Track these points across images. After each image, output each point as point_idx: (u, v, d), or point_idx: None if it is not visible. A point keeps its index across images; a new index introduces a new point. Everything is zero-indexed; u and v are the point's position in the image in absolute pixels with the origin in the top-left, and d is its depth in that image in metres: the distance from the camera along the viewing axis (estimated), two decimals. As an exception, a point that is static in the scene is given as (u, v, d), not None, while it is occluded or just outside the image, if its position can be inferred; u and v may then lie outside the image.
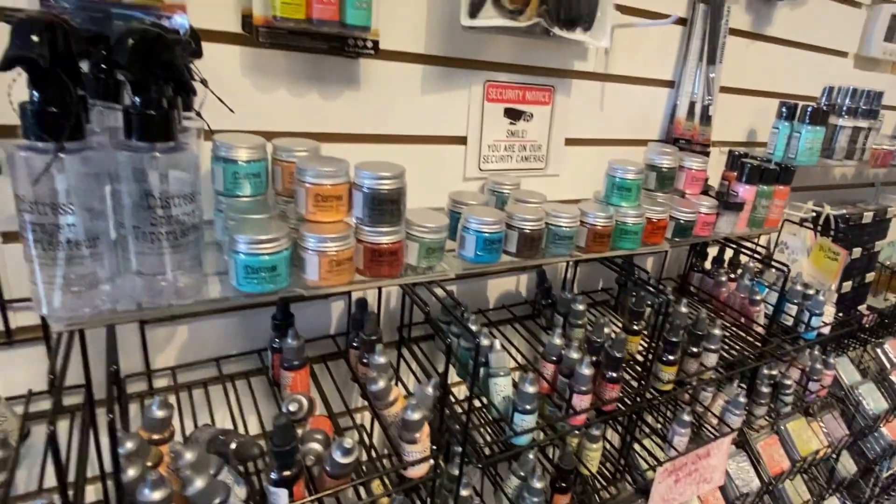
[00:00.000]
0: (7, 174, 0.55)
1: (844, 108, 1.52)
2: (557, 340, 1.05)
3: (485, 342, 1.01)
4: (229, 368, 0.99)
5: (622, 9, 1.15)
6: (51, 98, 0.53)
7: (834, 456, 2.06)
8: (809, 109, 1.40)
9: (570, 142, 1.23)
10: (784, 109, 1.44)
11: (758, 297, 1.41)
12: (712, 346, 1.22)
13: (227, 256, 0.70)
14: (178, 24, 0.69)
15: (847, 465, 2.20)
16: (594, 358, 1.06)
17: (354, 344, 0.99)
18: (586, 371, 0.99)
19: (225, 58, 0.82)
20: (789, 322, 1.50)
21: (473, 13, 0.91)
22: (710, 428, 1.40)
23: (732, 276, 1.54)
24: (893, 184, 2.15)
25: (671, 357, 1.14)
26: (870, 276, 2.00)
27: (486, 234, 0.86)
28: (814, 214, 1.76)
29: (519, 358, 1.26)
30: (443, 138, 1.06)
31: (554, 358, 1.06)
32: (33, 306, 0.59)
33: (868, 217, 1.83)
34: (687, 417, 1.25)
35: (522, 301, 1.32)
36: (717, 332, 1.21)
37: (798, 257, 1.76)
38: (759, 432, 1.71)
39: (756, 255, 1.40)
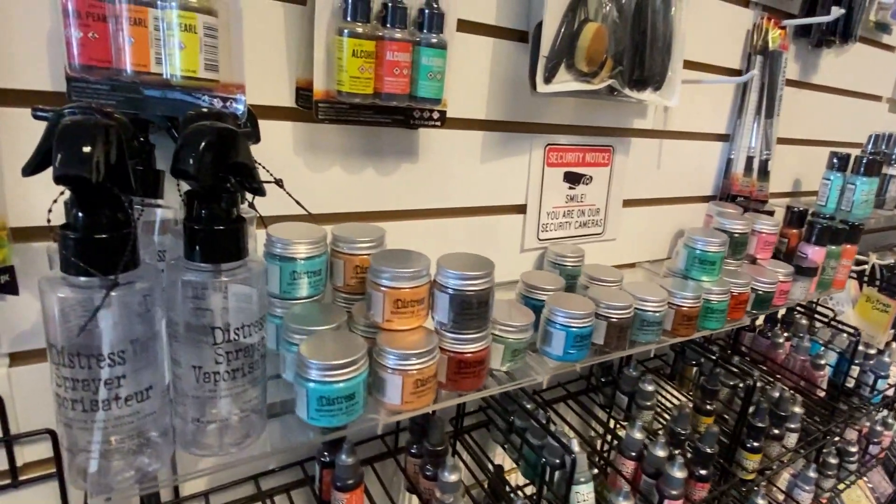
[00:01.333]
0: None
1: (894, 156, 1.45)
2: (638, 434, 0.94)
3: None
4: (268, 483, 0.85)
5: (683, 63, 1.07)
6: (102, 222, 0.41)
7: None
8: (864, 160, 1.32)
9: (626, 203, 1.13)
10: (836, 160, 1.37)
11: (822, 362, 1.31)
12: (793, 426, 1.11)
13: (295, 383, 0.57)
14: (235, 108, 0.57)
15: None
16: (681, 453, 0.94)
17: (413, 451, 0.86)
18: (679, 474, 0.87)
19: (275, 136, 0.71)
20: (849, 383, 1.41)
21: (549, 79, 0.82)
22: (777, 505, 1.29)
23: (787, 335, 1.44)
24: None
25: (756, 444, 1.03)
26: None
27: (577, 329, 0.75)
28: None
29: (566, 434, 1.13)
30: (501, 208, 0.96)
31: (634, 454, 0.94)
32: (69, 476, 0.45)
33: (911, 264, 1.76)
34: (761, 501, 1.13)
35: (576, 377, 1.20)
36: (797, 409, 1.11)
37: (844, 308, 1.67)
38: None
39: (822, 319, 1.30)
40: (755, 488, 1.16)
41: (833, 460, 1.34)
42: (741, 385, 1.18)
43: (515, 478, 1.20)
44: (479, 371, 0.67)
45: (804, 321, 1.49)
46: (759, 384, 1.13)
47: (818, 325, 1.54)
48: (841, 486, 1.40)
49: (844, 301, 1.67)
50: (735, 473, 1.01)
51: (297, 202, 0.59)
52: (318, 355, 0.56)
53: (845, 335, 1.44)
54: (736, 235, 1.03)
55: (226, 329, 0.48)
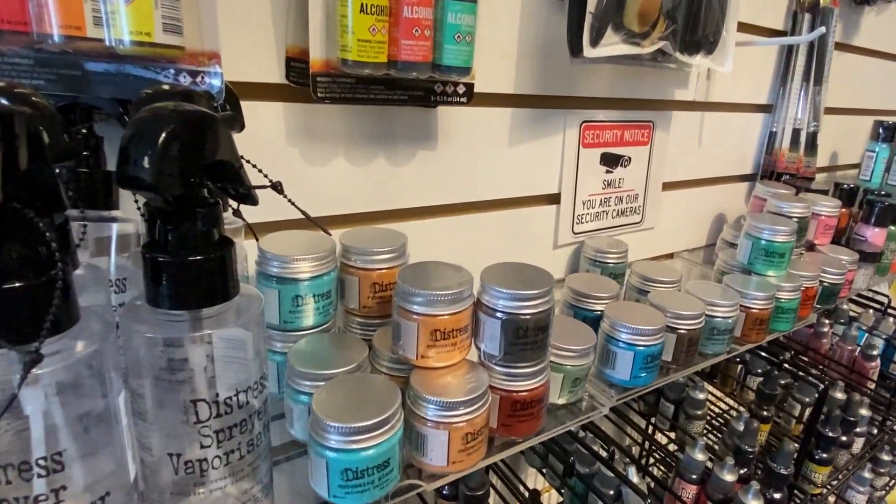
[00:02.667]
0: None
1: (943, 125, 1.33)
2: (700, 455, 0.81)
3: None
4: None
5: (728, 23, 0.93)
6: (7, 266, 0.26)
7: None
8: (916, 129, 1.20)
9: (665, 186, 1.00)
10: (881, 130, 1.25)
11: (874, 353, 1.20)
12: (861, 430, 0.99)
13: (310, 451, 0.43)
14: (208, 85, 0.42)
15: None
16: (749, 475, 0.81)
17: (445, 492, 0.72)
18: (754, 503, 0.75)
19: (262, 121, 0.56)
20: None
21: (595, 41, 0.67)
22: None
23: (829, 321, 1.33)
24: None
25: (825, 455, 0.91)
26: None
27: (646, 348, 0.61)
28: None
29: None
30: (532, 199, 0.81)
31: (695, 477, 0.81)
32: None
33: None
34: (820, 511, 1.02)
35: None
36: (864, 412, 0.99)
37: (882, 290, 1.56)
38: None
39: (876, 306, 1.19)
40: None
41: (886, 457, 1.23)
42: (795, 384, 1.06)
43: (548, 498, 1.07)
44: (538, 411, 0.53)
45: (845, 306, 1.37)
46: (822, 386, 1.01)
47: (858, 309, 1.43)
48: (893, 483, 1.30)
49: (880, 281, 1.56)
50: (805, 490, 0.89)
51: (304, 213, 0.44)
52: (340, 414, 0.42)
53: (892, 320, 1.33)
54: (796, 220, 0.90)
55: (213, 400, 0.34)
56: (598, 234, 0.91)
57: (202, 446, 0.34)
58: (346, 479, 0.42)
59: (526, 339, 0.50)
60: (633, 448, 1.14)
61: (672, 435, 1.03)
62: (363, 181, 0.63)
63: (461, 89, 0.61)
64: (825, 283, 0.89)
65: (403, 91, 0.58)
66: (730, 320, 0.71)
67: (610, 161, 0.89)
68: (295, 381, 0.47)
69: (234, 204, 0.45)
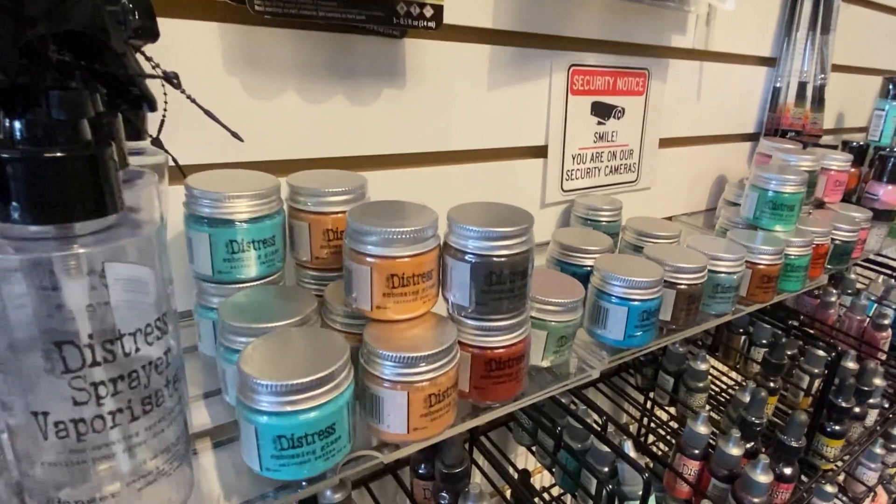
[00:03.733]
0: None
1: (955, 82, 1.25)
2: (703, 429, 0.74)
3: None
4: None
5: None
6: None
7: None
8: (929, 84, 1.12)
9: (663, 142, 0.92)
10: (892, 87, 1.17)
11: (885, 322, 1.13)
12: (874, 401, 0.92)
13: (238, 417, 0.36)
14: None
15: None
16: (756, 448, 0.75)
17: (421, 471, 0.65)
18: (764, 478, 0.68)
19: (195, 44, 0.48)
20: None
21: (582, -43, 0.59)
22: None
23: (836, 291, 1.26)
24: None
25: (838, 427, 0.84)
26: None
27: (641, 303, 0.54)
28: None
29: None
30: (515, 151, 0.74)
31: (697, 452, 0.75)
32: None
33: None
34: (830, 489, 0.95)
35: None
36: (879, 381, 0.92)
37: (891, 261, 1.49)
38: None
39: (888, 272, 1.12)
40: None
41: (896, 432, 1.17)
42: (802, 356, 0.99)
43: (541, 479, 1.01)
44: (517, 372, 0.46)
45: (853, 276, 1.30)
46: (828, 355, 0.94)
47: (864, 279, 1.36)
48: (902, 460, 1.24)
49: (890, 252, 1.49)
50: (817, 465, 0.82)
51: (208, 112, 0.36)
52: (272, 371, 0.35)
53: (901, 288, 1.26)
54: (805, 174, 0.82)
55: (86, 344, 0.26)
56: (590, 192, 0.84)
57: (76, 403, 0.27)
58: (279, 448, 0.35)
59: (501, 285, 0.43)
60: (631, 425, 1.08)
61: (672, 411, 0.96)
62: (319, 121, 0.56)
63: (428, 11, 0.54)
64: (837, 241, 0.82)
65: (359, 9, 0.50)
66: (735, 276, 0.64)
67: (602, 111, 0.81)
68: (227, 337, 0.40)
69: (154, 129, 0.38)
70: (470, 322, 0.44)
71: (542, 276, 0.54)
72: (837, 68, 1.24)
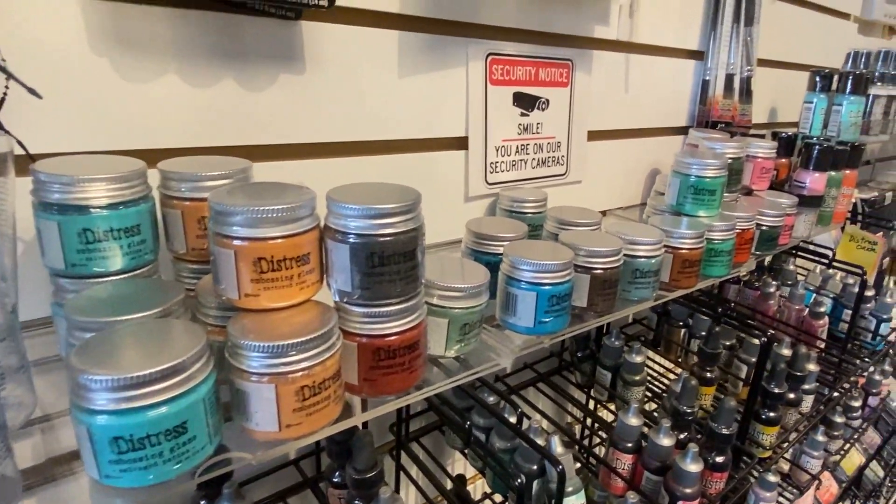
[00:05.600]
0: None
1: (877, 75, 1.29)
2: (634, 420, 0.72)
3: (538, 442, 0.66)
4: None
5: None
6: None
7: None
8: (851, 77, 1.15)
9: (591, 135, 0.91)
10: (818, 79, 1.19)
11: (822, 310, 1.14)
12: (809, 386, 0.92)
13: (73, 421, 0.32)
14: None
15: (876, 471, 2.00)
16: (690, 437, 0.73)
17: (335, 479, 0.62)
18: (694, 467, 0.66)
19: (55, 20, 0.44)
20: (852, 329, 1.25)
21: (481, -64, 0.57)
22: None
23: (776, 283, 1.27)
24: (888, 159, 1.99)
25: (773, 414, 0.83)
26: (885, 262, 1.81)
27: (551, 288, 0.52)
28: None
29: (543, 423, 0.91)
30: (435, 142, 0.72)
31: (630, 445, 0.73)
32: None
33: (889, 198, 1.63)
34: (773, 478, 0.94)
35: (546, 354, 0.98)
36: (812, 367, 0.92)
37: (826, 251, 1.52)
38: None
39: (822, 261, 1.13)
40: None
41: (839, 419, 1.18)
42: (739, 346, 0.99)
43: (481, 486, 0.97)
44: (412, 361, 0.43)
45: (792, 266, 1.32)
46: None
47: (804, 270, 1.38)
48: (847, 447, 1.25)
49: (827, 242, 1.52)
50: (752, 453, 0.81)
51: (31, 90, 0.32)
52: (108, 364, 0.31)
53: (838, 278, 1.28)
54: (729, 161, 0.82)
55: None
56: (518, 185, 0.82)
57: None
58: (118, 451, 0.31)
59: (386, 267, 0.40)
60: (576, 427, 1.06)
61: (614, 407, 0.94)
62: (205, 106, 0.52)
63: (319, -9, 0.51)
64: (763, 227, 0.82)
65: (239, -15, 0.47)
66: (654, 261, 0.62)
67: (524, 102, 0.80)
68: (73, 334, 0.36)
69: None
70: (355, 308, 0.41)
71: (445, 262, 0.52)
72: (769, 63, 1.27)
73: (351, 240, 0.39)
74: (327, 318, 0.39)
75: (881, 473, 1.99)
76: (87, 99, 0.46)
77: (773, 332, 1.10)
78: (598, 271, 0.58)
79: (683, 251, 0.67)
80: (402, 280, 0.41)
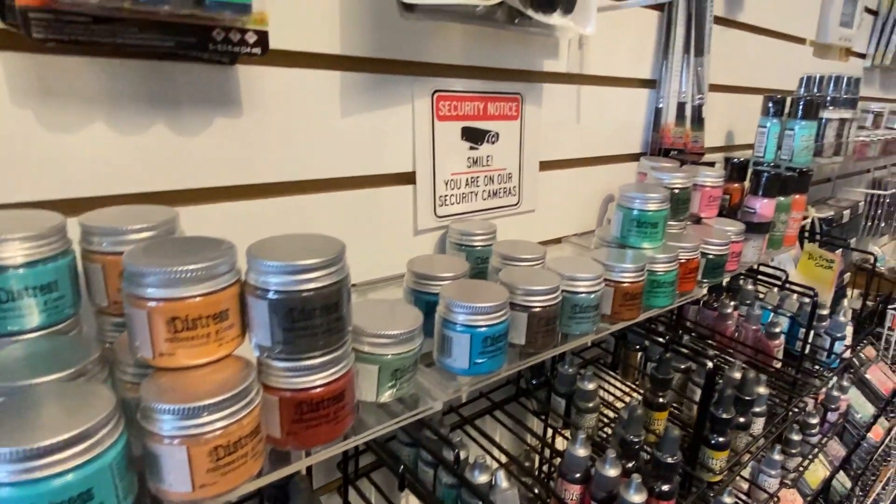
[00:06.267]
0: None
1: (829, 99, 1.33)
2: (581, 451, 0.73)
3: (482, 479, 0.67)
4: None
5: (595, -12, 0.87)
6: None
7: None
8: (802, 102, 1.18)
9: (544, 165, 0.93)
10: (771, 104, 1.22)
11: (777, 330, 1.16)
12: (759, 409, 0.94)
13: (-28, 490, 0.32)
14: None
15: (843, 482, 2.04)
16: (637, 467, 0.74)
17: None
18: (637, 498, 0.67)
19: (-24, 73, 0.44)
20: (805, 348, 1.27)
21: (417, -14, 0.59)
22: (741, 496, 1.13)
23: (734, 304, 1.29)
24: (848, 176, 2.05)
25: (722, 439, 0.85)
26: (847, 277, 1.86)
27: (486, 330, 0.53)
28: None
29: (500, 455, 0.92)
30: (380, 178, 0.72)
31: (578, 476, 0.73)
32: None
33: (846, 216, 1.67)
34: (728, 500, 0.96)
35: (503, 382, 0.99)
36: (762, 390, 0.94)
37: (786, 269, 1.55)
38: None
39: (774, 282, 1.16)
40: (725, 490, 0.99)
41: (796, 437, 1.20)
42: (694, 368, 1.00)
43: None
44: (338, 412, 0.44)
45: (750, 287, 1.34)
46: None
47: (763, 289, 1.41)
48: (806, 463, 1.27)
49: (786, 261, 1.56)
50: (700, 478, 0.82)
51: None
52: (11, 433, 0.31)
53: (795, 297, 1.31)
54: (676, 191, 0.84)
55: None
56: (469, 217, 0.83)
57: None
58: (15, 527, 0.31)
59: (307, 321, 0.41)
60: (533, 455, 1.06)
61: (569, 434, 0.95)
62: (135, 154, 0.52)
63: (251, 38, 0.52)
64: (709, 255, 0.83)
65: (167, 35, 0.48)
66: (593, 296, 0.63)
67: (473, 136, 0.81)
68: (-19, 398, 0.36)
69: None
70: (276, 364, 0.41)
71: (377, 307, 0.52)
72: (725, 88, 1.30)
73: (270, 296, 0.40)
74: (245, 376, 0.39)
75: (848, 484, 2.03)
76: (10, 151, 0.46)
77: (721, 357, 1.13)
78: (537, 309, 0.58)
79: (625, 284, 0.68)
80: (325, 333, 0.42)
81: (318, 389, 0.42)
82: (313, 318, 0.41)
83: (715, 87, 1.27)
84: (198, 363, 0.39)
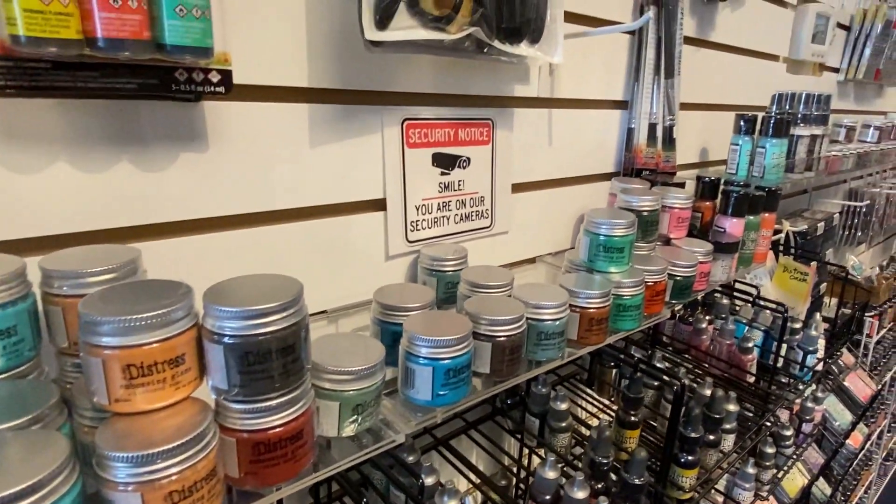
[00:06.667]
0: None
1: (800, 116, 1.36)
2: (551, 473, 0.74)
3: None
4: None
5: (565, 16, 0.89)
6: None
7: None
8: (773, 121, 1.21)
9: (517, 187, 0.94)
10: (743, 123, 1.25)
11: (750, 345, 1.18)
12: (729, 426, 0.96)
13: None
14: None
15: (822, 488, 2.07)
16: (606, 488, 0.75)
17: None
18: (604, 522, 0.68)
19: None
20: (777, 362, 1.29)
21: (383, 23, 0.60)
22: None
23: (709, 318, 1.31)
24: (823, 187, 2.08)
25: (691, 457, 0.86)
26: (823, 287, 1.88)
27: (448, 362, 0.54)
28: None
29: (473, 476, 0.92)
30: (351, 206, 0.73)
31: (549, 498, 0.74)
32: None
33: (820, 228, 1.70)
34: (703, 515, 0.97)
35: (479, 402, 1.00)
36: (732, 407, 0.96)
37: (762, 282, 1.58)
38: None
39: (744, 298, 1.17)
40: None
41: (770, 450, 1.22)
42: (666, 386, 1.02)
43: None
44: (296, 451, 0.44)
45: (725, 301, 1.36)
46: (687, 383, 0.98)
47: (740, 302, 1.43)
48: (781, 475, 1.29)
49: (762, 274, 1.58)
50: (670, 496, 0.83)
51: None
52: (-41, 489, 0.31)
53: (768, 311, 1.33)
54: (645, 214, 0.86)
55: None
56: (441, 241, 0.84)
57: None
58: (-33, 576, 0.31)
59: (263, 364, 0.41)
60: (510, 475, 1.07)
61: (543, 453, 0.96)
62: (100, 191, 0.53)
63: (214, 77, 0.53)
64: (677, 277, 0.85)
65: (128, 77, 0.48)
66: (558, 323, 0.65)
67: (444, 162, 0.82)
68: (-63, 446, 0.36)
69: None
70: (233, 406, 0.42)
71: (339, 342, 0.53)
72: (699, 106, 1.33)
73: (226, 340, 0.40)
74: (200, 420, 0.39)
75: (828, 491, 2.06)
76: (-28, 194, 0.46)
77: (695, 373, 1.14)
78: (501, 338, 0.60)
79: (591, 310, 0.69)
80: (282, 375, 0.42)
81: (276, 430, 0.43)
82: (269, 361, 0.42)
83: (689, 106, 1.29)
84: (155, 407, 0.40)
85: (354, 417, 0.50)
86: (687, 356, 1.27)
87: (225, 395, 0.42)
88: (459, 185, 0.85)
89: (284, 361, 0.42)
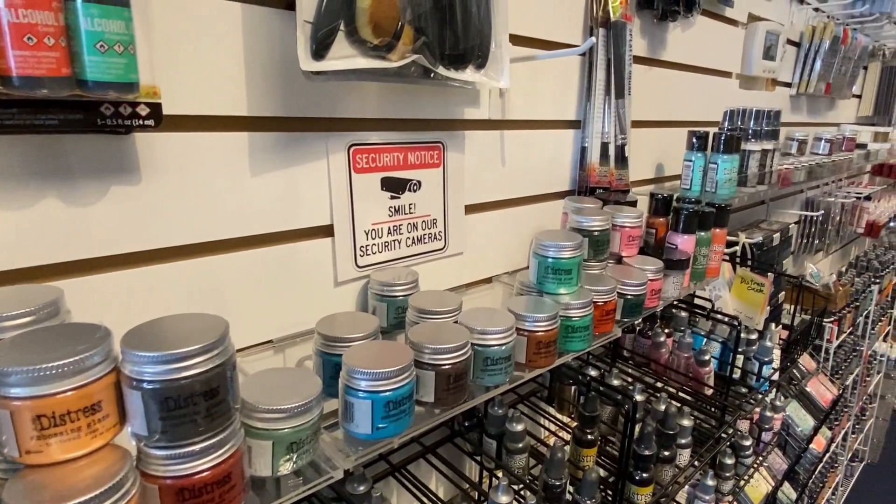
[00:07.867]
0: None
1: (751, 132, 1.40)
2: (503, 498, 0.74)
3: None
4: None
5: (514, 39, 0.90)
6: None
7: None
8: (723, 137, 1.24)
9: (470, 208, 0.94)
10: (695, 139, 1.28)
11: (706, 357, 1.20)
12: (684, 441, 0.97)
13: None
14: None
15: (788, 493, 2.10)
16: (557, 512, 0.75)
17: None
18: (555, 547, 0.68)
19: None
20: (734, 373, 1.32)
21: (320, 53, 0.59)
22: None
23: (668, 331, 1.33)
24: (780, 198, 2.14)
25: (645, 475, 0.87)
26: (782, 296, 1.93)
27: (391, 394, 0.53)
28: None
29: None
30: (298, 233, 0.73)
31: (502, 523, 0.74)
32: None
33: (776, 239, 1.74)
34: (662, 530, 0.98)
35: (434, 427, 0.99)
36: (686, 422, 0.97)
37: (721, 293, 1.61)
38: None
39: (700, 311, 1.19)
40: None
41: (729, 460, 1.24)
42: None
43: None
44: (224, 495, 0.43)
45: (684, 314, 1.38)
46: (641, 399, 0.99)
47: (698, 316, 1.46)
48: (742, 483, 1.31)
49: (720, 285, 1.61)
50: (627, 517, 0.84)
51: None
52: None
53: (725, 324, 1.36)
54: (595, 234, 0.87)
55: None
56: (394, 264, 0.84)
57: None
58: None
59: (185, 409, 0.40)
60: (471, 499, 1.06)
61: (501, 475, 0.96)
62: (24, 228, 0.51)
63: (143, 110, 0.52)
64: (627, 296, 0.86)
65: (49, 114, 0.47)
66: (504, 347, 0.65)
67: (394, 186, 0.82)
68: None
69: None
70: (154, 452, 0.41)
71: (271, 378, 0.52)
72: (652, 124, 1.35)
73: (145, 386, 0.39)
74: (118, 469, 0.38)
75: (794, 495, 2.09)
76: None
77: (655, 387, 1.15)
78: (445, 367, 0.59)
79: (539, 333, 0.70)
80: (206, 418, 0.42)
81: (202, 474, 0.42)
82: (192, 405, 0.41)
83: (644, 123, 1.31)
84: (71, 457, 0.38)
85: (289, 456, 0.49)
86: (647, 370, 1.28)
87: (146, 441, 0.41)
88: (411, 208, 0.84)
89: (209, 404, 0.41)
